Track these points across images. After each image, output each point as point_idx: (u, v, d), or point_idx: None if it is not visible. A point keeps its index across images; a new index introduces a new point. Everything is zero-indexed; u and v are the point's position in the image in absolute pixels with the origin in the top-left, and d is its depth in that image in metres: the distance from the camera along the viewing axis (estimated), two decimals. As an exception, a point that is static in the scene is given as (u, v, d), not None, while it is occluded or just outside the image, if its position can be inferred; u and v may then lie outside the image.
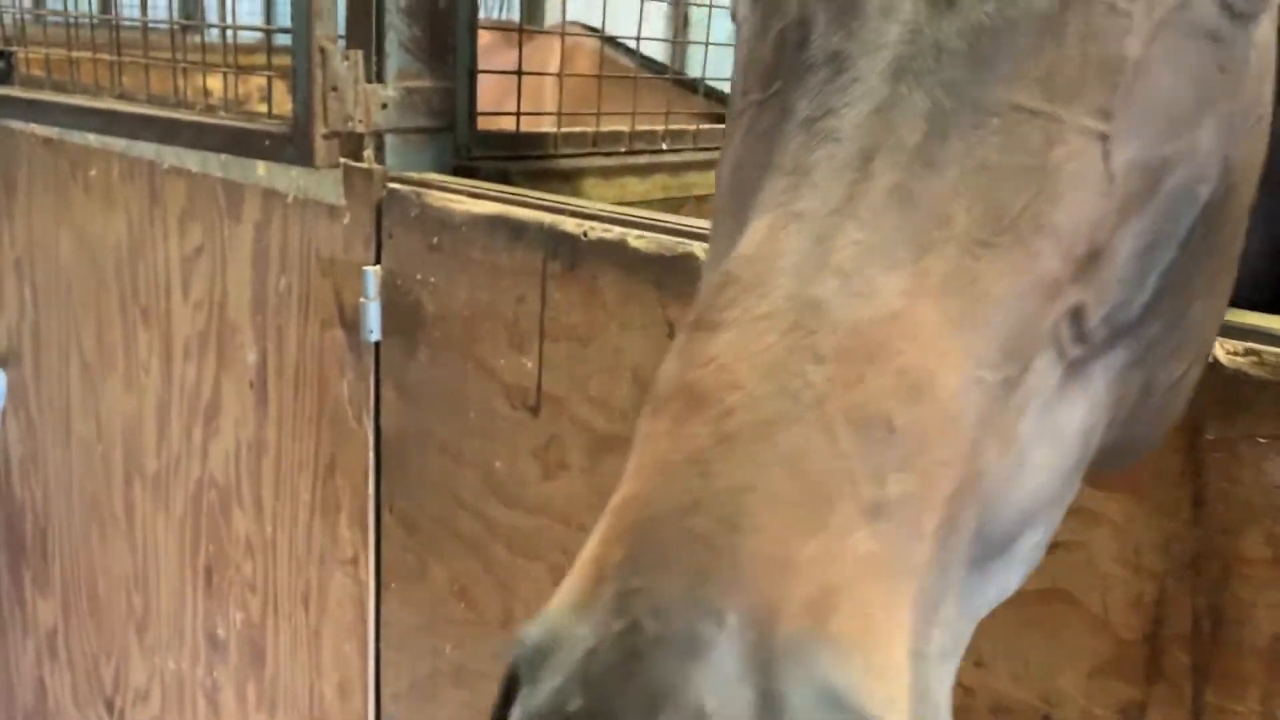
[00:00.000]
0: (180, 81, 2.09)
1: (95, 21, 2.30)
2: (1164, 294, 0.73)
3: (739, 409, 0.54)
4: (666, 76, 2.74)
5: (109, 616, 2.69)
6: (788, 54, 0.71)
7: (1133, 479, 1.08)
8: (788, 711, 0.47)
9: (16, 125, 2.59)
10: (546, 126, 2.20)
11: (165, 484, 2.40)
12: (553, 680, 0.51)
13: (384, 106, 1.76)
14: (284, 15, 1.76)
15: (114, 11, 2.55)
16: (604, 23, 2.47)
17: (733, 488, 0.52)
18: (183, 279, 2.22)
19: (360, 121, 1.72)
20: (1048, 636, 1.15)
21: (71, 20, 2.39)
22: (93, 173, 2.40)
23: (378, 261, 1.79)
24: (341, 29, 1.76)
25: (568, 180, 2.10)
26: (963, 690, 1.20)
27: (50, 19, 2.52)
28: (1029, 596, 1.05)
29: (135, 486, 2.49)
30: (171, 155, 2.15)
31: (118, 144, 2.27)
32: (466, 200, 1.67)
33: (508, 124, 2.04)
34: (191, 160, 2.10)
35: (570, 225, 1.55)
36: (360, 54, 1.71)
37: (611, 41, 3.17)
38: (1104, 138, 0.65)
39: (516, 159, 2.03)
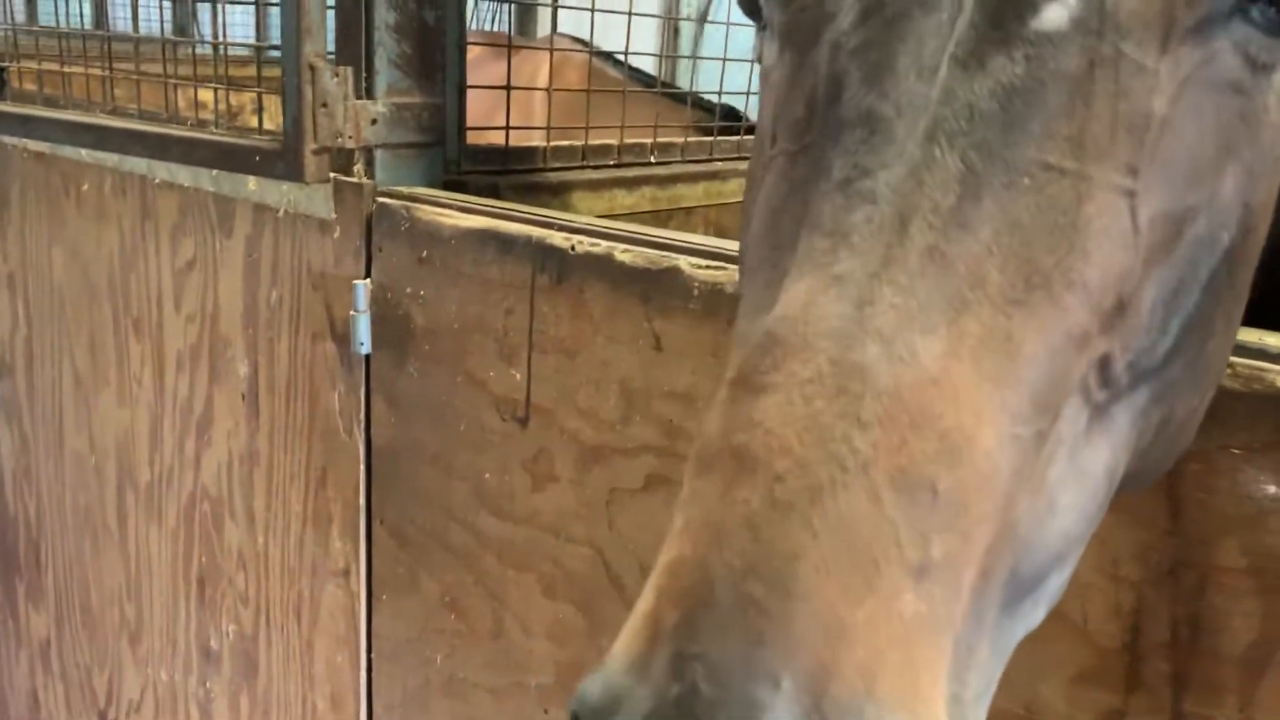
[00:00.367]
0: (172, 95, 2.10)
1: (87, 36, 2.32)
2: (1186, 335, 0.75)
3: (788, 475, 0.56)
4: (655, 90, 2.75)
5: (102, 628, 2.70)
6: (820, 109, 0.72)
7: (1110, 489, 1.09)
8: None
9: (8, 140, 2.60)
10: (536, 140, 2.22)
11: (158, 496, 2.40)
12: None
13: (374, 122, 1.77)
14: (276, 30, 1.78)
15: (106, 26, 2.56)
16: (592, 34, 2.49)
17: (785, 553, 0.54)
18: (175, 292, 2.23)
19: (350, 137, 1.73)
20: (1029, 645, 1.15)
21: (64, 34, 2.40)
22: (85, 187, 2.41)
23: (368, 275, 1.80)
24: (331, 45, 1.78)
25: (556, 193, 2.11)
26: (946, 699, 1.21)
27: (43, 34, 2.53)
28: (1009, 606, 1.07)
29: (128, 498, 2.50)
30: (163, 170, 2.16)
31: (109, 159, 2.28)
32: (455, 214, 1.69)
33: (497, 137, 2.06)
34: (183, 175, 2.11)
35: (558, 239, 1.56)
36: (350, 70, 1.73)
37: (601, 54, 3.20)
38: (1131, 193, 0.67)
39: (506, 173, 2.05)
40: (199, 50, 2.28)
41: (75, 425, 2.63)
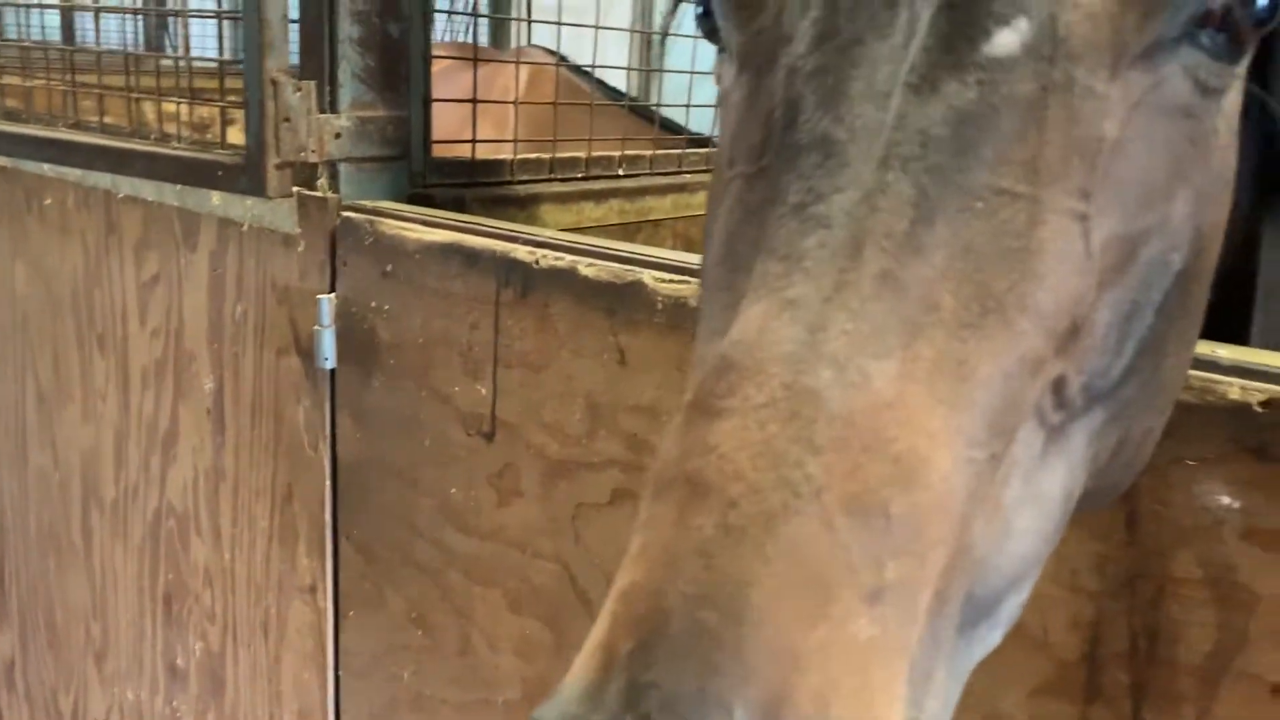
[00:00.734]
0: (136, 109, 2.09)
1: (50, 48, 2.30)
2: (1140, 356, 0.75)
3: (742, 500, 0.56)
4: (623, 104, 2.75)
5: (67, 647, 2.67)
6: (776, 133, 0.72)
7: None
8: None
9: (-29, 154, 2.58)
10: (504, 153, 2.21)
11: (123, 513, 2.38)
12: None
13: (337, 136, 1.77)
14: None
15: (72, 39, 2.54)
16: (559, 43, 2.50)
17: (738, 580, 0.53)
18: (139, 307, 2.21)
19: (313, 151, 1.73)
20: (989, 658, 1.16)
21: (27, 46, 2.38)
22: (48, 202, 2.39)
23: (332, 289, 1.80)
24: (296, 59, 1.77)
25: (524, 206, 2.11)
26: (909, 712, 1.21)
27: (4, 45, 2.51)
28: (969, 619, 1.07)
29: (93, 515, 2.48)
30: (127, 184, 2.14)
31: (73, 173, 2.26)
32: (419, 228, 1.68)
33: (467, 150, 2.06)
34: (147, 189, 2.10)
35: (522, 253, 1.56)
36: (313, 85, 1.72)
37: (571, 66, 3.20)
38: (1084, 217, 0.68)
39: (472, 186, 2.04)
40: (168, 62, 2.27)
41: (39, 441, 2.60)
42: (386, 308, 1.73)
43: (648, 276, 1.44)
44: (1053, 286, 0.66)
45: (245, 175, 1.70)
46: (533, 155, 2.21)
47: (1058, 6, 0.67)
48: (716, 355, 0.64)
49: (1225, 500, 1.02)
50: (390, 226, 1.71)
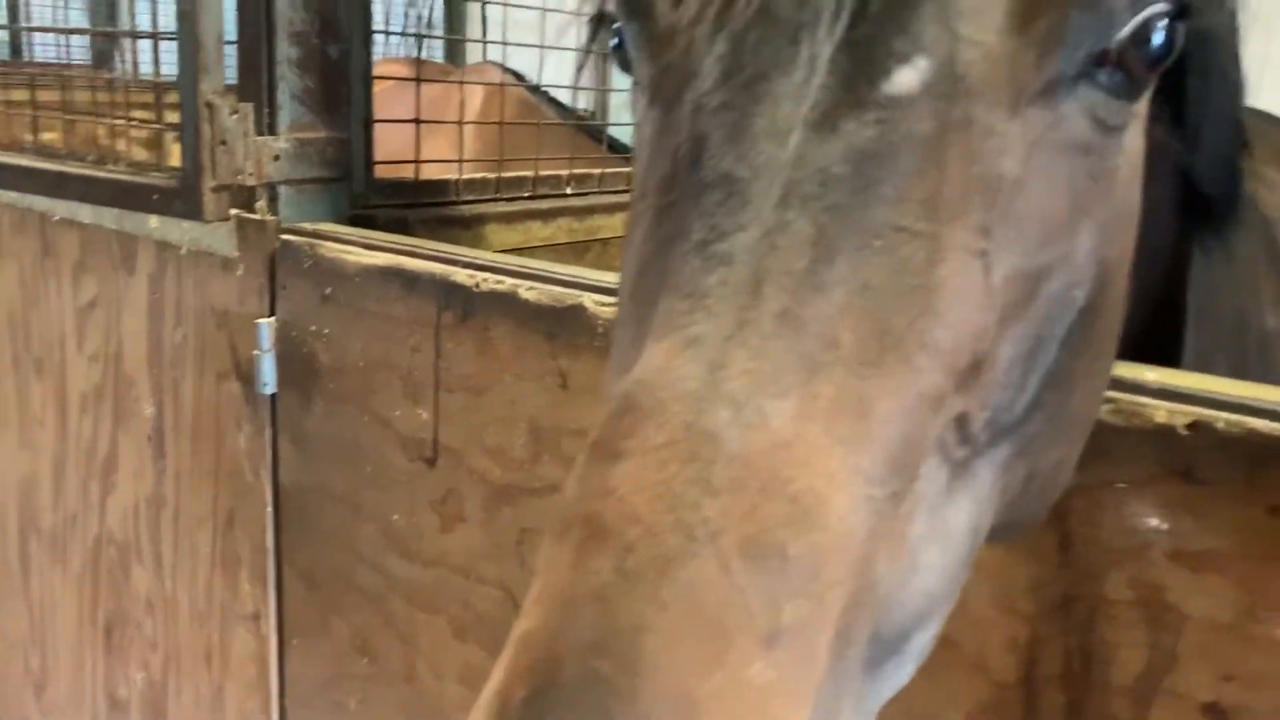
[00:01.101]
0: (76, 131, 2.05)
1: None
2: (1045, 391, 0.75)
3: (639, 544, 0.56)
4: (569, 122, 2.74)
5: (6, 678, 2.60)
6: (683, 168, 0.72)
7: (1002, 525, 1.10)
8: None
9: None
10: (450, 172, 2.20)
11: (62, 541, 2.33)
12: None
13: (276, 158, 1.74)
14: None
15: (19, 58, 2.50)
16: (503, 55, 2.49)
17: (634, 627, 0.53)
18: (77, 331, 2.17)
19: (251, 174, 1.70)
20: (929, 680, 1.16)
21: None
22: (-17, 223, 2.34)
23: (272, 313, 1.77)
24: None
25: (469, 227, 2.10)
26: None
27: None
28: (905, 644, 1.07)
29: (31, 544, 2.42)
30: (64, 207, 2.10)
31: (7, 195, 2.22)
32: (359, 251, 1.66)
33: (429, 170, 2.04)
34: (84, 212, 2.06)
35: (462, 276, 1.55)
36: (251, 107, 1.70)
37: (528, 85, 3.19)
38: (984, 253, 0.68)
39: (416, 206, 2.03)
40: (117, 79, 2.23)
41: (-24, 468, 2.54)
42: (327, 331, 1.71)
43: (588, 300, 1.43)
44: (952, 323, 0.66)
45: (181, 199, 1.67)
46: (479, 175, 2.19)
47: (956, 45, 0.68)
48: (619, 394, 0.64)
49: (1154, 522, 1.02)
50: (330, 249, 1.69)
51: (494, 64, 3.68)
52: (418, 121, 2.04)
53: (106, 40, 3.92)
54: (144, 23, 2.34)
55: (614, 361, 0.75)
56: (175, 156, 1.81)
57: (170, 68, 1.73)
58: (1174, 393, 1.02)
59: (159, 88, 1.83)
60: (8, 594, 2.52)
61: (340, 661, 1.81)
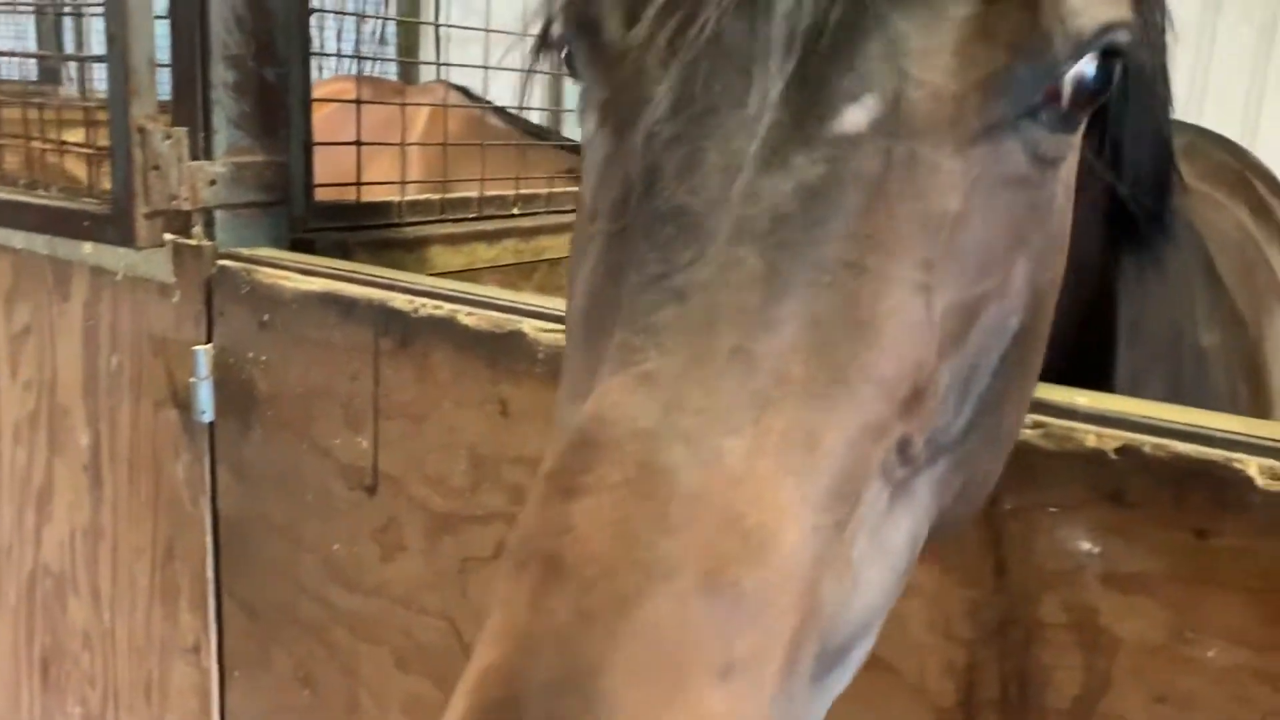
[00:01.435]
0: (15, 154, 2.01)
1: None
2: (981, 413, 0.77)
3: (597, 584, 0.57)
4: (519, 143, 2.73)
5: (-59, 715, 2.53)
6: (635, 197, 0.72)
7: (936, 548, 1.10)
8: None
9: None
10: (394, 194, 2.17)
11: (-2, 573, 2.27)
12: None
13: (212, 183, 1.72)
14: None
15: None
16: (440, 71, 2.47)
17: (592, 667, 0.54)
18: (11, 359, 2.12)
19: (186, 199, 1.68)
20: (868, 707, 1.16)
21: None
22: (-88, 249, 2.28)
23: (209, 340, 1.74)
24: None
25: (412, 249, 2.08)
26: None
27: None
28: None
29: (-35, 577, 2.36)
30: (-5, 231, 2.06)
31: (-63, 219, 2.16)
32: (296, 277, 1.64)
33: (383, 192, 2.01)
34: (16, 237, 2.02)
35: (400, 301, 1.53)
36: (185, 131, 1.67)
37: (469, 96, 3.18)
38: (926, 288, 0.70)
39: (359, 229, 2.01)
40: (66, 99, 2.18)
41: (-92, 499, 2.48)
42: (265, 358, 1.68)
43: (528, 325, 1.42)
44: (896, 356, 0.68)
45: (113, 225, 1.64)
46: (423, 196, 2.18)
47: (904, 85, 0.69)
48: (574, 429, 0.65)
49: (1086, 546, 1.03)
50: (267, 275, 1.67)
51: (444, 83, 3.67)
52: (359, 144, 2.02)
53: (50, 63, 3.86)
54: (97, 41, 2.30)
55: (565, 387, 0.75)
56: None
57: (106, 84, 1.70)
58: (1104, 417, 1.03)
59: (89, 110, 1.79)
60: (-59, 628, 2.46)
61: (282, 693, 1.77)
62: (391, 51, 6.08)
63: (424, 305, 1.51)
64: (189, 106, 1.71)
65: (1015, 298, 0.77)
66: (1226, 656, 0.99)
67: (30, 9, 3.57)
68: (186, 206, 1.69)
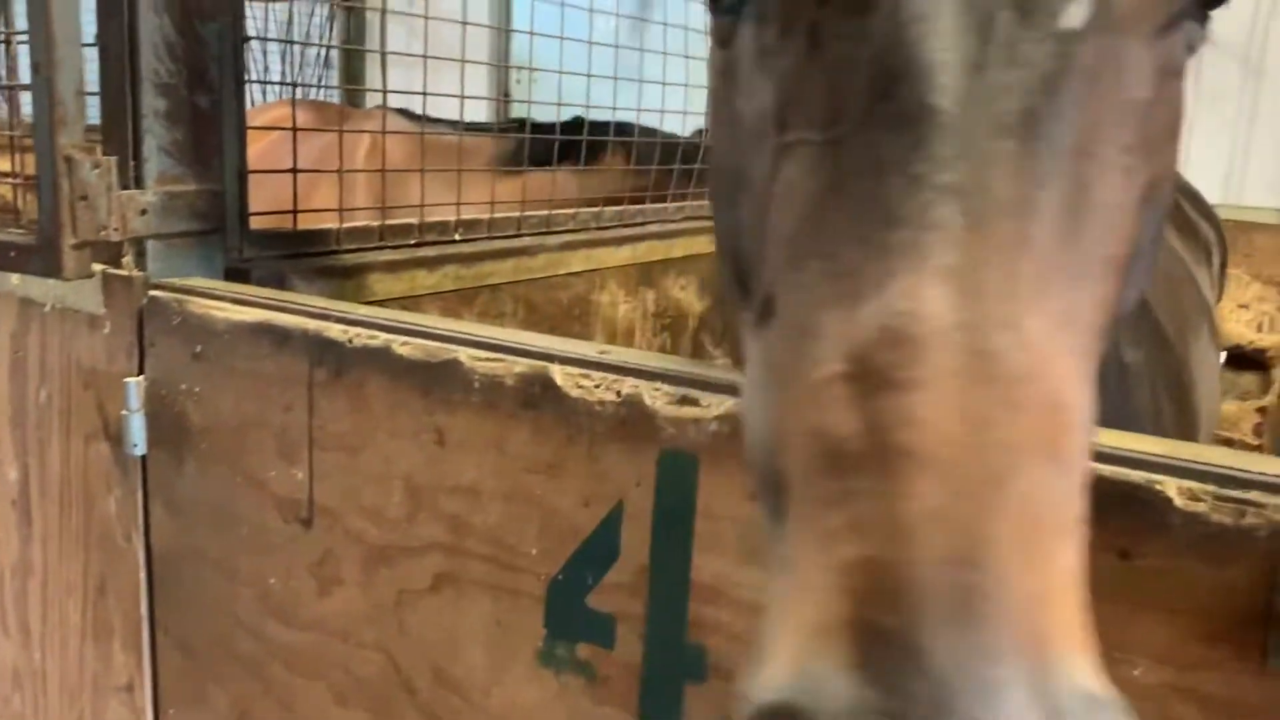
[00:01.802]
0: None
1: None
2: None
3: (967, 465, 0.60)
4: (455, 168, 2.71)
5: None
6: (866, 102, 0.74)
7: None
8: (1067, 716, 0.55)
9: None
10: (349, 219, 2.15)
11: (-76, 613, 2.20)
12: None
13: (143, 212, 1.69)
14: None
15: None
16: (384, 97, 2.45)
17: (983, 540, 0.57)
18: (-64, 392, 2.07)
19: (116, 230, 1.65)
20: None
21: None
22: None
23: (141, 372, 1.71)
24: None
25: (350, 277, 2.06)
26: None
27: None
28: None
29: (-109, 617, 2.29)
30: (-80, 262, 2.01)
31: None
32: (229, 307, 1.62)
33: (330, 219, 1.99)
34: (-59, 267, 1.97)
35: (335, 331, 1.51)
36: (114, 160, 1.65)
37: (413, 118, 3.16)
38: (1133, 170, 0.78)
39: (296, 257, 1.98)
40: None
41: None
42: (197, 390, 1.66)
43: (463, 354, 1.41)
44: (1121, 234, 0.77)
45: (39, 256, 1.61)
46: (361, 223, 2.16)
47: None
48: (874, 326, 0.65)
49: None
50: (199, 305, 1.64)
51: (388, 108, 3.65)
52: (294, 171, 2.00)
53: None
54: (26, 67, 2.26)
55: (794, 299, 0.74)
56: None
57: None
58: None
59: (13, 141, 1.76)
60: None
61: (219, 732, 1.74)
62: (335, 76, 6.05)
63: (358, 335, 1.50)
64: (119, 135, 1.69)
65: (1170, 178, 0.87)
66: (1152, 675, 1.00)
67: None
68: (116, 237, 1.66)
